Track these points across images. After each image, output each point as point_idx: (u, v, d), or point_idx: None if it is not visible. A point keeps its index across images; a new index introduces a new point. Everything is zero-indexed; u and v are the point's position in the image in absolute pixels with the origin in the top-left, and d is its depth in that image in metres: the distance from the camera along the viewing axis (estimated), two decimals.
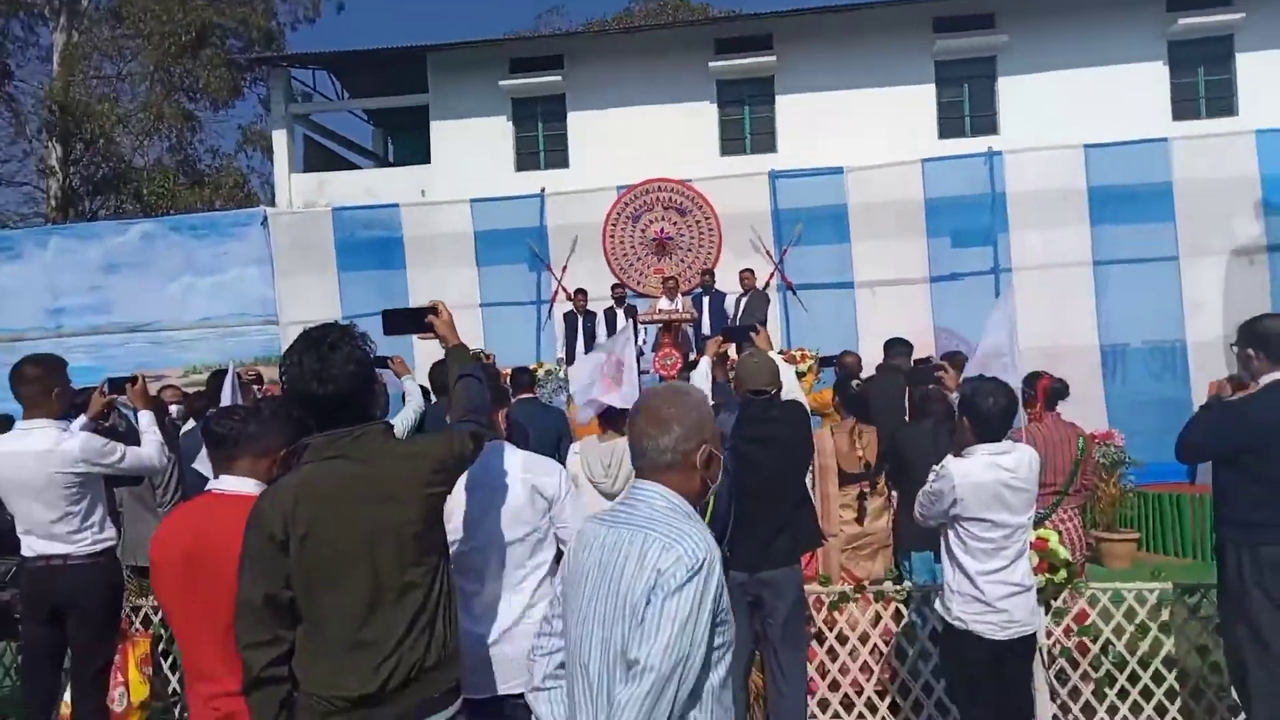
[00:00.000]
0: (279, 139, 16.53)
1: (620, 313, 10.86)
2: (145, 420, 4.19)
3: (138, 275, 12.98)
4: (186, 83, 22.09)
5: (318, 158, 17.81)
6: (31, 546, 3.87)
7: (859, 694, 4.52)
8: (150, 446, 4.07)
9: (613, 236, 12.73)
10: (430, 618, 2.26)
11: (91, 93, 21.22)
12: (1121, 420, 9.76)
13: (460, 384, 2.61)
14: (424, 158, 15.75)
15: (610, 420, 5.14)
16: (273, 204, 15.91)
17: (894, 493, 5.31)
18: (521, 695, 2.77)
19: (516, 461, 2.87)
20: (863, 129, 13.46)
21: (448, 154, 15.31)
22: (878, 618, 4.57)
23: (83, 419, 4.05)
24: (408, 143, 18.11)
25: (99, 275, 13.02)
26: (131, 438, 4.20)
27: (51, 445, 3.77)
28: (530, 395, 6.29)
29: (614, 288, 11.58)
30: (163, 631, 4.63)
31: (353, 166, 18.80)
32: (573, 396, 5.36)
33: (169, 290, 12.98)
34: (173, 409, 6.70)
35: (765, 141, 14.81)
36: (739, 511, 3.78)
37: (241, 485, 2.67)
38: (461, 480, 2.72)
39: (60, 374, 3.91)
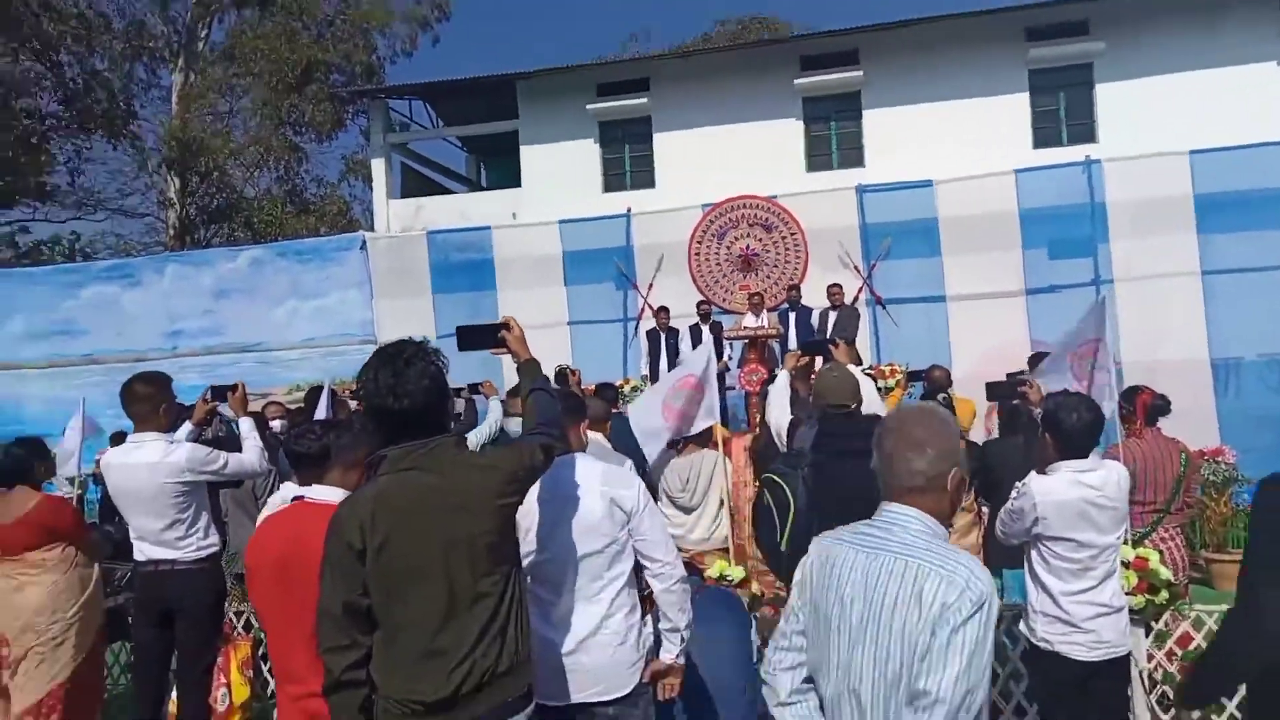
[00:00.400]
0: (378, 167, 17.18)
1: (705, 329, 10.86)
2: (246, 426, 4.40)
3: (247, 299, 13.62)
4: (293, 116, 23.20)
5: (415, 184, 18.44)
6: (143, 551, 4.10)
7: None
8: (251, 452, 4.27)
9: (698, 254, 12.75)
10: (502, 625, 2.30)
11: (207, 128, 22.47)
12: (1235, 437, 9.25)
13: (531, 397, 2.67)
14: (515, 181, 16.13)
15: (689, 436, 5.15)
16: (373, 230, 16.52)
17: (984, 509, 5.17)
18: (595, 704, 2.82)
19: (595, 474, 2.89)
20: (953, 141, 13.20)
21: (537, 177, 15.64)
22: None
23: (188, 425, 4.28)
24: (499, 167, 18.59)
25: (211, 300, 13.71)
26: (232, 444, 4.41)
27: (160, 457, 3.99)
28: (614, 411, 6.36)
29: (699, 304, 11.59)
30: (263, 636, 4.84)
31: (448, 192, 19.38)
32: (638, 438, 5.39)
33: (275, 313, 13.57)
34: (275, 424, 7.02)
35: (853, 156, 14.66)
36: (821, 526, 3.73)
37: (332, 494, 2.78)
38: (540, 491, 2.77)
39: (167, 390, 4.13)
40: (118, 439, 6.14)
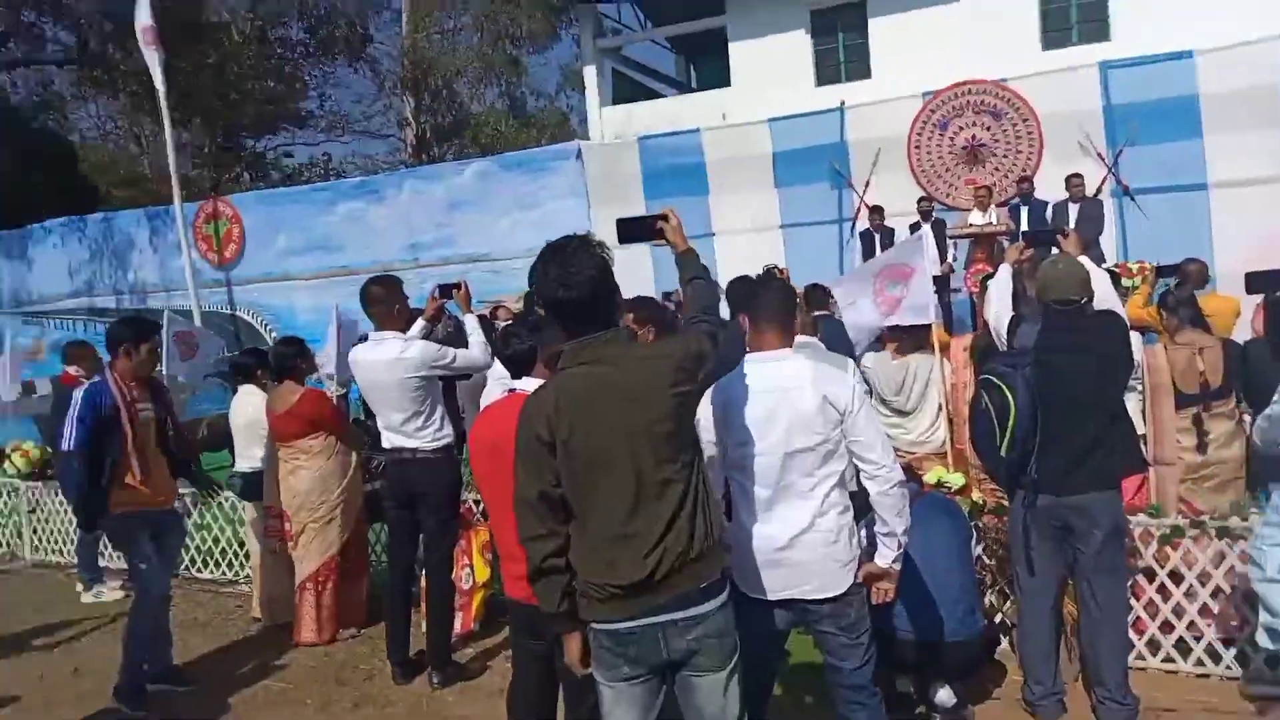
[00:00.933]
0: (589, 75, 17.36)
1: (926, 228, 10.32)
2: (470, 323, 4.70)
3: (475, 211, 14.29)
4: (511, 30, 23.81)
5: (627, 90, 18.51)
6: (389, 440, 4.54)
7: (1198, 639, 4.09)
8: (475, 348, 4.57)
9: (918, 147, 12.01)
10: (691, 512, 2.37)
11: (434, 46, 23.54)
12: None
13: (691, 286, 2.68)
14: (724, 80, 15.81)
15: (907, 335, 4.96)
16: (587, 139, 16.82)
17: (1249, 416, 4.65)
18: (809, 601, 2.81)
19: (807, 370, 2.86)
20: (1220, 3, 11.47)
21: (747, 74, 15.23)
22: (1221, 557, 4.07)
23: (421, 322, 4.64)
24: (709, 67, 18.27)
25: (445, 213, 14.54)
26: (460, 340, 4.74)
27: (397, 354, 4.37)
28: (825, 313, 6.21)
29: (920, 201, 10.99)
30: None
31: (659, 96, 19.34)
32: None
33: (501, 224, 14.16)
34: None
35: (1096, 29, 13.15)
36: (1044, 429, 3.51)
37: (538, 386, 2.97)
38: (750, 384, 2.81)
39: (399, 292, 4.51)
40: (364, 339, 6.76)
